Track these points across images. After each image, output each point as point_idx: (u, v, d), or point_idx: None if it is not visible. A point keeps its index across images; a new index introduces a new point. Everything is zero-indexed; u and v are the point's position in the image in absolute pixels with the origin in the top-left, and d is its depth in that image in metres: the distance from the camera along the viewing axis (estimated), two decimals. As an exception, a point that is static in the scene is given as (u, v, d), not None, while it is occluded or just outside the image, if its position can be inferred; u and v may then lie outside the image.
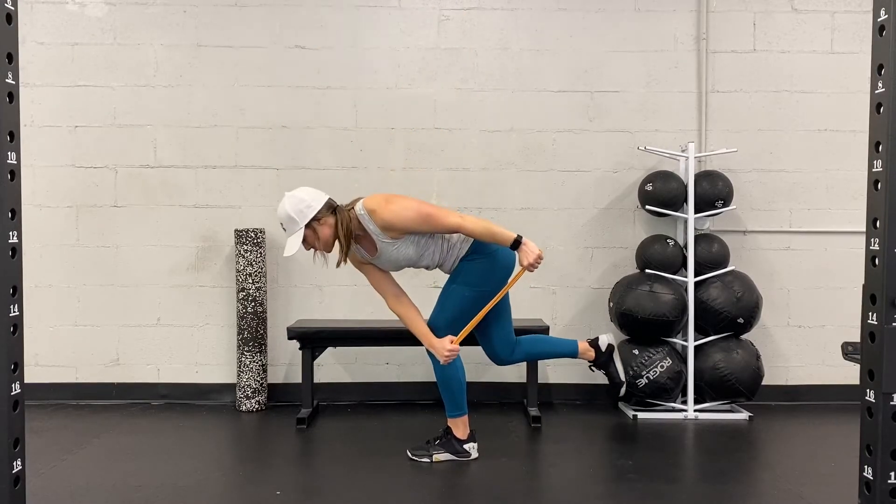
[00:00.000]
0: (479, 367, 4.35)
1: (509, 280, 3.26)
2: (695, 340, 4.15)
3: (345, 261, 3.19)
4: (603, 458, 3.55)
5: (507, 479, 3.16)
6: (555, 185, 4.47)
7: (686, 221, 4.19)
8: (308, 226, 3.07)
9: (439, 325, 3.27)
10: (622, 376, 3.61)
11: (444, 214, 3.10)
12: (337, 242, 3.14)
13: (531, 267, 3.13)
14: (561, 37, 4.45)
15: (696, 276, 4.14)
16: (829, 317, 4.47)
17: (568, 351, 3.59)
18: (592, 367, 3.66)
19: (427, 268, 3.34)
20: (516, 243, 3.12)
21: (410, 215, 3.07)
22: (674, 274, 4.17)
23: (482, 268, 3.23)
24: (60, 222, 4.41)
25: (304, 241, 3.10)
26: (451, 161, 4.43)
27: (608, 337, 3.63)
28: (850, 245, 4.43)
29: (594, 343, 3.61)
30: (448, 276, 3.34)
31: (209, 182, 4.43)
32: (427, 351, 3.33)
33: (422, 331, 3.26)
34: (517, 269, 3.21)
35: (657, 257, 4.15)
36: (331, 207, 3.13)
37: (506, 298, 3.39)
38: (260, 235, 4.23)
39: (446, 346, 3.20)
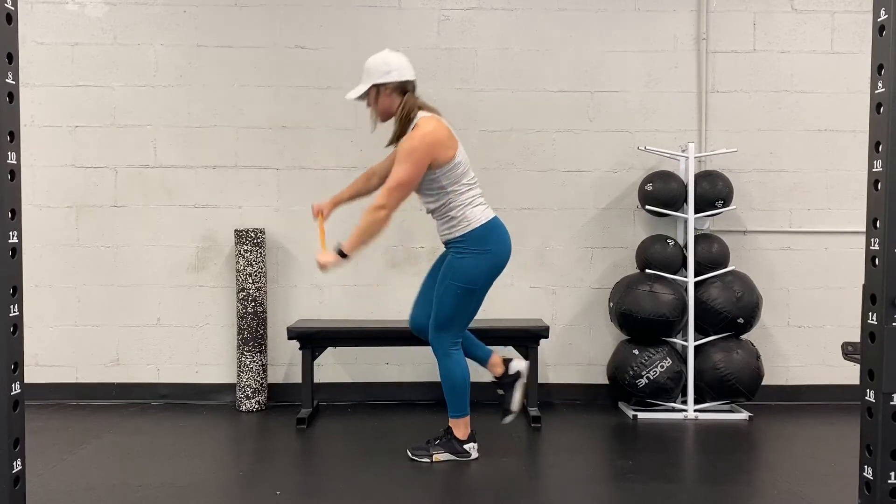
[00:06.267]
0: (479, 367, 4.34)
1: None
2: (695, 340, 4.15)
3: (394, 143, 3.28)
4: (603, 458, 3.56)
5: (507, 479, 3.16)
6: (555, 185, 4.47)
7: (686, 221, 4.19)
8: (375, 87, 3.20)
9: (443, 325, 3.28)
10: (514, 406, 3.46)
11: (394, 188, 3.12)
12: (393, 119, 3.26)
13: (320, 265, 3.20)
14: (561, 37, 4.45)
15: (696, 276, 4.14)
16: (829, 317, 4.47)
17: (481, 356, 3.50)
18: (495, 383, 3.54)
19: (426, 206, 3.33)
20: (341, 253, 3.16)
21: (402, 156, 3.13)
22: (674, 274, 4.17)
23: (472, 264, 3.21)
24: (60, 222, 4.41)
25: (368, 97, 3.25)
26: (451, 161, 4.42)
27: (521, 365, 3.50)
28: (850, 245, 4.43)
29: (506, 362, 3.49)
30: (444, 251, 3.34)
31: (209, 182, 4.43)
32: (433, 351, 3.34)
33: (343, 195, 3.48)
34: (329, 246, 3.25)
35: (657, 257, 4.15)
36: (403, 90, 3.21)
37: (443, 282, 3.30)
38: (260, 235, 4.23)
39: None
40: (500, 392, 3.49)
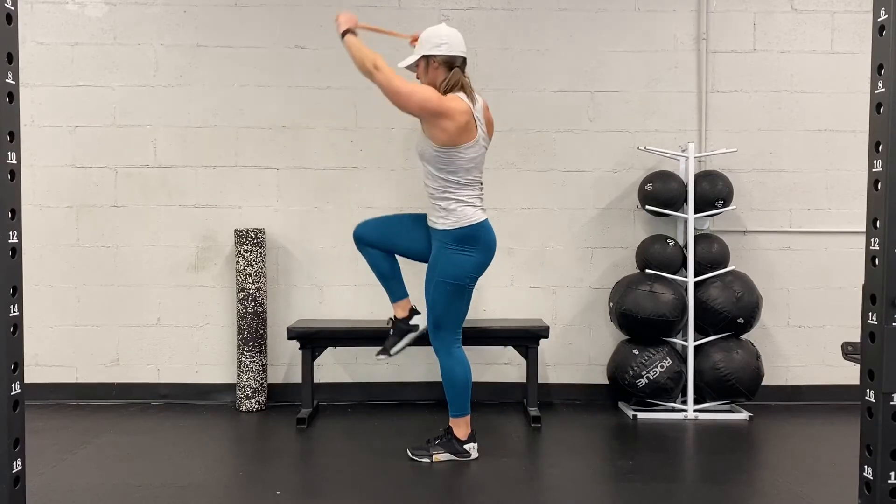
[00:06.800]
0: (478, 367, 4.35)
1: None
2: (695, 340, 4.15)
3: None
4: (603, 458, 3.55)
5: (507, 479, 3.16)
6: (555, 185, 4.47)
7: (686, 221, 4.19)
8: (425, 58, 3.25)
9: (439, 323, 3.29)
10: (393, 351, 3.51)
11: (392, 84, 3.14)
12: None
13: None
14: (561, 37, 4.45)
15: (696, 276, 4.14)
16: (829, 317, 4.47)
17: (395, 292, 3.51)
18: (390, 323, 3.56)
19: (424, 179, 3.32)
20: (345, 32, 3.26)
21: (420, 85, 3.22)
22: (674, 274, 4.17)
23: (460, 262, 3.22)
24: (60, 222, 4.41)
25: (417, 67, 3.30)
26: (451, 161, 4.42)
27: (423, 323, 3.50)
28: (850, 245, 4.43)
29: (412, 312, 3.51)
30: (431, 245, 3.33)
31: (209, 182, 4.43)
32: (434, 350, 3.36)
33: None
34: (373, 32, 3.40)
35: (657, 257, 4.15)
36: (451, 65, 3.24)
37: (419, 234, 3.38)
38: (260, 235, 4.23)
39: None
40: (391, 332, 3.53)
